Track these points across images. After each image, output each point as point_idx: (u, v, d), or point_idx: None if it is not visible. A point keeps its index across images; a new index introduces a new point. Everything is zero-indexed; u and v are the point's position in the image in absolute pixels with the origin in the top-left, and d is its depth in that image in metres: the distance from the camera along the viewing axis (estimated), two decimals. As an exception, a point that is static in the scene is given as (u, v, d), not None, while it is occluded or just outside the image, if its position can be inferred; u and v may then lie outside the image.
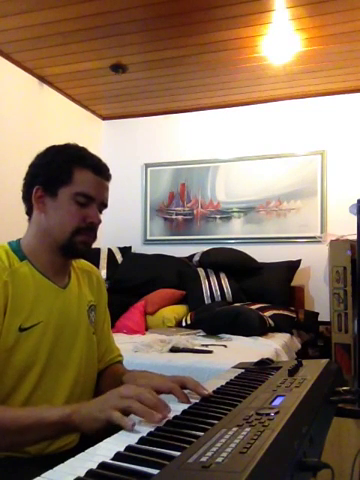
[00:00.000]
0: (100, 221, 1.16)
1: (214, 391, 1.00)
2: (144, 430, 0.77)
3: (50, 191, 1.12)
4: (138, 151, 4.44)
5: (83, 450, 0.72)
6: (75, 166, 1.12)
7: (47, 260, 1.14)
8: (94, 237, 1.17)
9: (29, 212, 1.17)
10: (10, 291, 1.05)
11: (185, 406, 0.89)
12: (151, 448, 0.68)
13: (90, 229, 1.15)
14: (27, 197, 1.16)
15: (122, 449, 0.68)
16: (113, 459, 0.65)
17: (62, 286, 1.17)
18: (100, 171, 1.16)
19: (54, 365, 1.11)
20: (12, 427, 0.89)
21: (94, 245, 1.20)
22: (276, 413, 0.74)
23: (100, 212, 1.17)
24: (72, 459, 0.67)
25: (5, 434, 0.89)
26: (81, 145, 1.20)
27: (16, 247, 1.14)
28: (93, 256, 3.86)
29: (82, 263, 1.30)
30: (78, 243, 1.13)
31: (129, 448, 0.68)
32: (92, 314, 1.24)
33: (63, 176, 1.12)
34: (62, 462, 0.66)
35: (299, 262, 3.74)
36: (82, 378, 1.18)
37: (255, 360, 1.30)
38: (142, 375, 1.14)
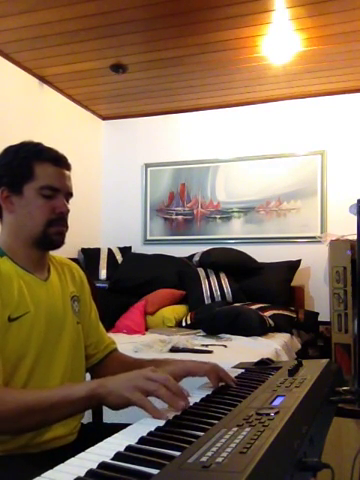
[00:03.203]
0: (68, 210, 1.20)
1: (214, 391, 1.00)
2: (145, 429, 0.77)
3: (15, 190, 1.15)
4: (138, 151, 4.44)
5: (81, 447, 0.72)
6: (34, 161, 1.15)
7: (25, 255, 1.17)
8: (66, 226, 1.21)
9: None
10: None
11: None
12: (151, 448, 0.68)
13: (61, 219, 1.19)
14: None
15: (122, 449, 0.68)
16: (113, 459, 0.65)
17: (43, 279, 1.20)
18: (59, 162, 1.19)
19: (45, 355, 1.13)
20: (36, 407, 0.92)
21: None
22: (276, 413, 0.74)
23: (67, 201, 1.21)
24: (72, 459, 0.67)
25: (30, 415, 0.92)
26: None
27: None
28: (93, 256, 3.87)
29: (61, 258, 1.34)
30: (52, 235, 1.17)
31: (129, 448, 0.68)
32: (75, 304, 1.27)
33: (25, 173, 1.15)
34: (60, 459, 0.67)
35: (299, 262, 3.74)
36: (71, 367, 1.20)
37: (255, 360, 1.30)
38: (168, 362, 1.17)
